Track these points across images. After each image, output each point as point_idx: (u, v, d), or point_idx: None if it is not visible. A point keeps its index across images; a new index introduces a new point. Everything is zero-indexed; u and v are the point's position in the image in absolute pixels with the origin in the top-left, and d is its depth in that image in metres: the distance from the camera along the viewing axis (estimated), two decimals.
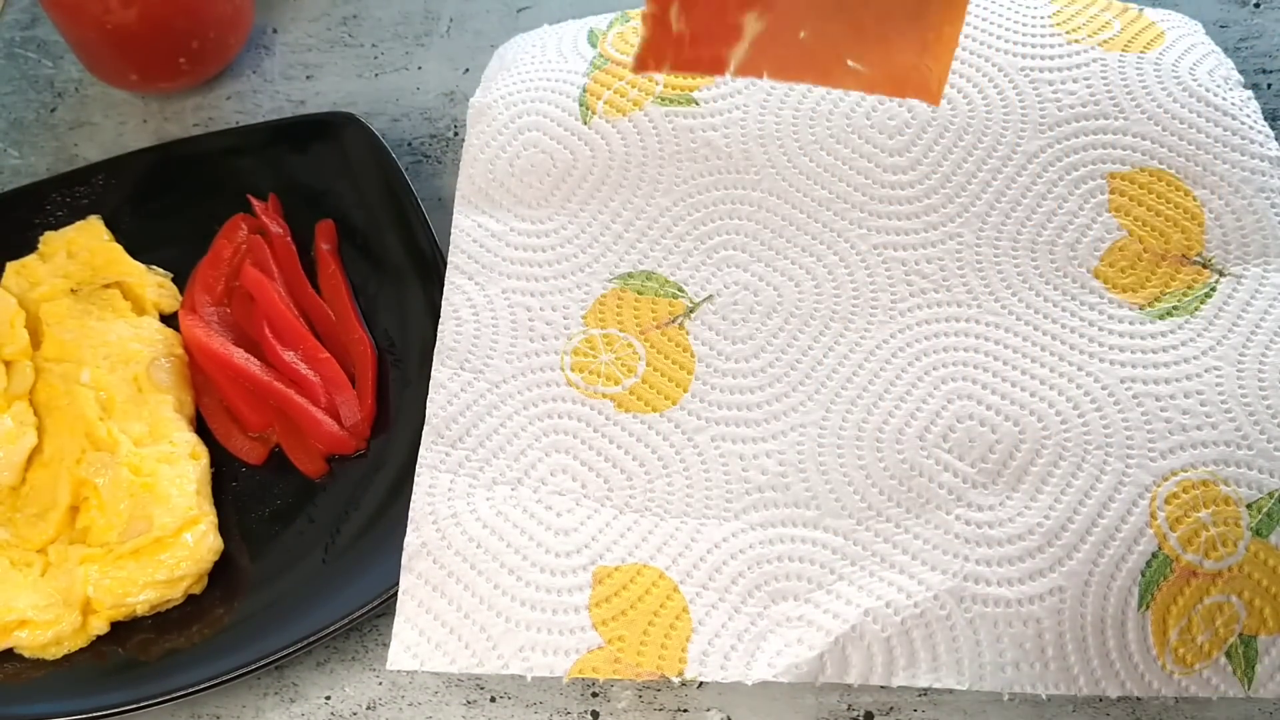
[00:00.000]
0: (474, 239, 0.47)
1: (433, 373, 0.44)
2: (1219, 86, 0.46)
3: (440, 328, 0.45)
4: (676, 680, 0.38)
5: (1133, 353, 0.42)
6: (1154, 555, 0.38)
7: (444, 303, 0.46)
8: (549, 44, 0.52)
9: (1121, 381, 0.42)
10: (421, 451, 0.42)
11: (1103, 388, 0.41)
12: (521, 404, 0.43)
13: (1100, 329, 0.43)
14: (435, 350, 0.45)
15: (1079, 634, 0.37)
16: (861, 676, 0.37)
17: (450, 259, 0.47)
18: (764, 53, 0.33)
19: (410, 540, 0.41)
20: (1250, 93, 0.47)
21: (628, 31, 0.51)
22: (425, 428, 0.43)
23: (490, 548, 0.40)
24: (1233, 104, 0.46)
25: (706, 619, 0.38)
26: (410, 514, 0.41)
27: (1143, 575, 0.38)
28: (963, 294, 0.44)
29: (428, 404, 0.43)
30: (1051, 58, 0.47)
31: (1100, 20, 0.49)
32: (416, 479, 0.42)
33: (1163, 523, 0.38)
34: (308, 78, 0.58)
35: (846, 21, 0.34)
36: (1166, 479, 0.39)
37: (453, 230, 0.47)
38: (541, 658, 0.38)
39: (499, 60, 0.52)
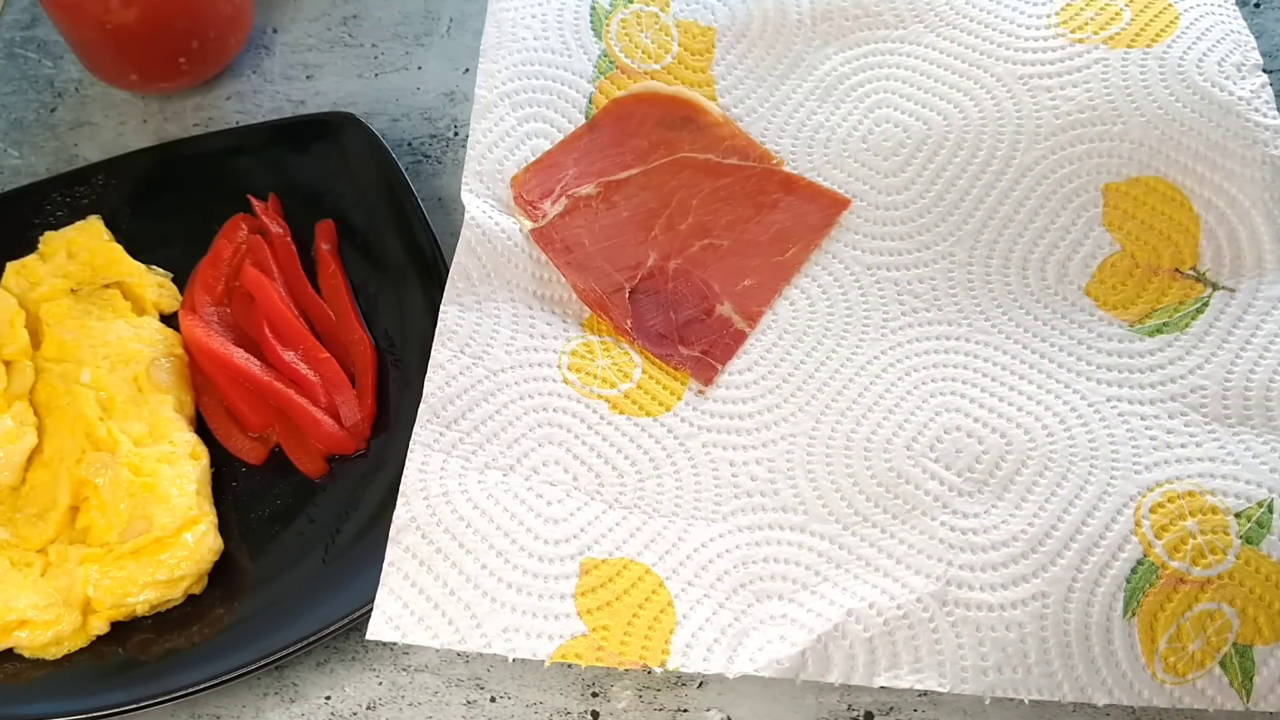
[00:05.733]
0: (483, 230, 0.46)
1: (433, 353, 0.44)
2: (1229, 77, 0.45)
3: (442, 310, 0.44)
4: (659, 670, 0.38)
5: (1120, 371, 0.43)
6: (1139, 562, 0.38)
7: (449, 285, 0.45)
8: (549, 16, 0.50)
9: (1108, 400, 0.42)
10: (416, 429, 0.42)
11: (1089, 405, 0.42)
12: (518, 394, 0.44)
13: (1089, 347, 0.43)
14: (436, 332, 0.44)
15: (1062, 639, 0.37)
16: (843, 675, 0.37)
17: (461, 242, 0.46)
18: None
19: (399, 514, 0.40)
20: (1266, 78, 0.45)
21: (630, 20, 0.50)
22: (421, 405, 0.43)
23: (479, 528, 0.40)
24: (1240, 98, 0.45)
25: (691, 613, 0.39)
26: (401, 488, 0.41)
27: (1128, 582, 0.38)
28: (953, 313, 0.45)
29: (425, 383, 0.43)
30: (1052, 62, 0.47)
31: (1111, 10, 0.48)
32: (410, 455, 0.42)
33: (1147, 531, 0.38)
34: (308, 78, 0.58)
35: None
36: (1151, 490, 0.39)
37: (465, 216, 0.46)
38: (525, 640, 0.38)
39: (495, 24, 0.51)
